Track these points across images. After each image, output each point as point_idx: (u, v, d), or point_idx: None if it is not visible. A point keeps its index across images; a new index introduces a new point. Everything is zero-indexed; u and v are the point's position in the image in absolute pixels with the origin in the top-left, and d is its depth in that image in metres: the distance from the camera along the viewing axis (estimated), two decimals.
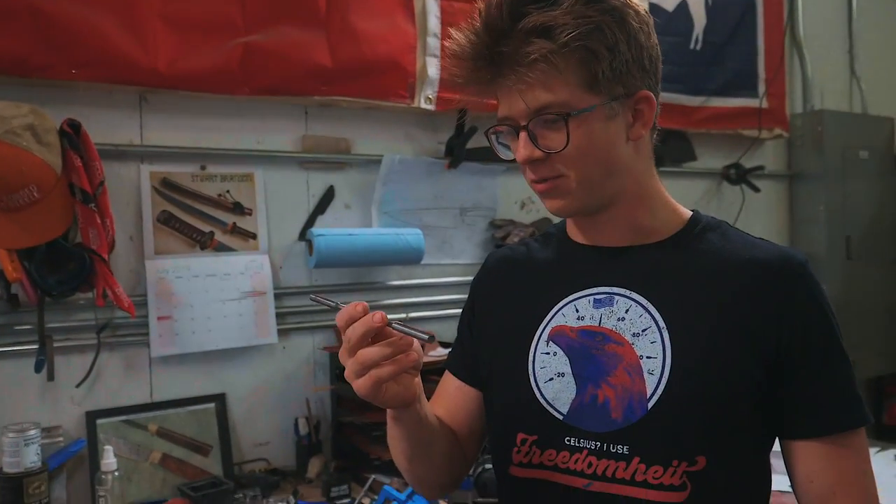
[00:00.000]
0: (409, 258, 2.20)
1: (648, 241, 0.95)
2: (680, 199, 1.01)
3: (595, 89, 0.86)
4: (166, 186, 1.95)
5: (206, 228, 2.01)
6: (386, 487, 1.65)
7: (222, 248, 2.02)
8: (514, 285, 1.03)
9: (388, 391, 0.84)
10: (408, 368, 0.83)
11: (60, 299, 1.78)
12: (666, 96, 2.65)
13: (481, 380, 1.04)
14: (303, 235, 2.13)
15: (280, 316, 2.08)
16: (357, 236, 2.12)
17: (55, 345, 1.78)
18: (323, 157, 2.16)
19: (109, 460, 1.70)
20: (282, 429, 2.09)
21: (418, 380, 0.88)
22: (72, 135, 1.71)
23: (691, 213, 0.99)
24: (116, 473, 1.70)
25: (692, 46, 2.83)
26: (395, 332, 0.82)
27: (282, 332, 2.08)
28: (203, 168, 2.00)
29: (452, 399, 1.07)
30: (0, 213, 1.63)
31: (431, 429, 0.96)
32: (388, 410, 0.91)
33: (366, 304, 0.83)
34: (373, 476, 1.84)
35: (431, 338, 0.79)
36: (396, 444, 0.98)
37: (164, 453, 1.90)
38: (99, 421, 1.84)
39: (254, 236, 2.07)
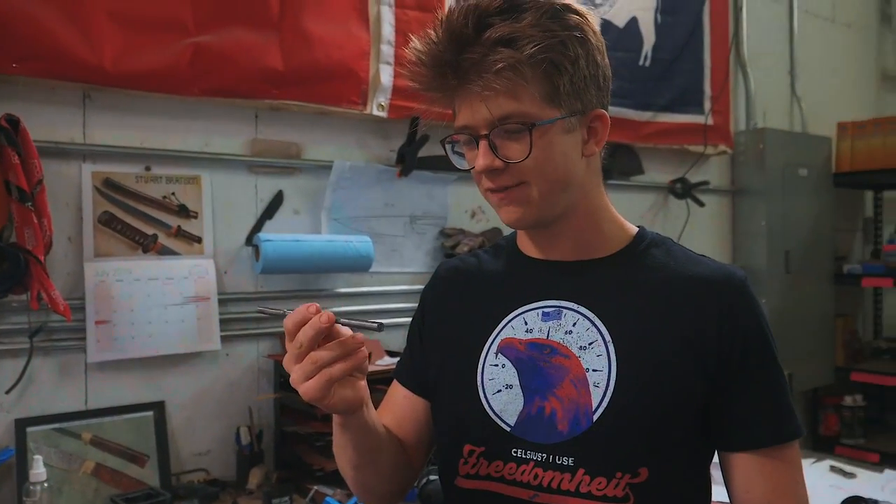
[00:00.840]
0: (358, 266, 2.19)
1: (596, 255, 0.97)
2: (627, 211, 1.04)
3: (556, 102, 0.87)
4: (109, 187, 1.91)
5: (150, 231, 1.97)
6: (328, 499, 1.64)
7: (166, 252, 1.99)
8: (464, 296, 1.04)
9: (336, 394, 0.83)
10: (358, 367, 0.83)
11: None
12: (615, 111, 2.58)
13: (429, 390, 1.04)
14: (249, 240, 2.11)
15: (224, 322, 2.05)
16: (305, 242, 2.10)
17: None
18: (272, 162, 2.15)
19: (38, 470, 1.63)
20: (223, 438, 2.05)
21: (364, 383, 0.88)
22: (9, 130, 1.66)
23: (637, 228, 1.01)
24: (46, 484, 1.63)
25: (641, 62, 2.88)
26: (343, 331, 0.83)
27: (225, 339, 2.04)
28: (148, 169, 1.97)
29: (400, 408, 1.07)
30: None
31: (378, 436, 0.96)
32: (335, 417, 0.91)
33: (317, 305, 0.82)
34: (315, 487, 1.82)
35: (380, 325, 0.81)
36: (342, 451, 0.98)
37: (98, 463, 1.85)
38: (29, 429, 1.78)
39: (199, 240, 2.04)
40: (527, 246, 1.01)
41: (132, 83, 1.86)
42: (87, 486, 1.82)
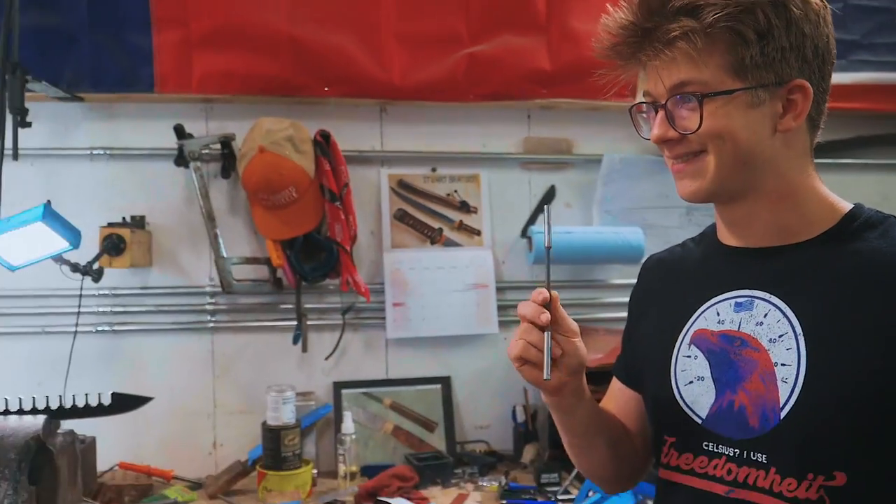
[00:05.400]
0: (629, 257, 2.37)
1: (795, 240, 0.97)
2: None
3: (741, 74, 0.90)
4: (402, 187, 2.40)
5: (436, 225, 2.41)
6: (588, 480, 1.79)
7: (450, 244, 2.42)
8: (664, 288, 1.13)
9: (530, 367, 0.97)
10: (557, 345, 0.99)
11: (314, 284, 2.29)
12: None
13: (638, 381, 1.14)
14: (524, 233, 2.45)
15: (501, 308, 2.39)
16: (575, 234, 2.38)
17: (309, 322, 2.30)
18: (544, 158, 2.46)
19: (348, 425, 2.17)
20: (501, 414, 2.41)
21: (573, 377, 1.01)
22: (323, 143, 2.23)
23: (852, 206, 0.99)
24: (354, 437, 2.15)
25: None
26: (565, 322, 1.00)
27: (502, 324, 2.39)
28: (434, 170, 2.42)
29: (616, 401, 1.19)
30: (267, 211, 2.23)
31: (586, 423, 1.08)
32: (551, 401, 1.06)
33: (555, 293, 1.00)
34: None
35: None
36: (559, 432, 1.14)
37: (396, 425, 2.35)
38: (343, 391, 2.33)
39: (478, 233, 2.43)
40: (724, 233, 1.05)
41: (419, 95, 2.33)
42: (387, 443, 2.34)
